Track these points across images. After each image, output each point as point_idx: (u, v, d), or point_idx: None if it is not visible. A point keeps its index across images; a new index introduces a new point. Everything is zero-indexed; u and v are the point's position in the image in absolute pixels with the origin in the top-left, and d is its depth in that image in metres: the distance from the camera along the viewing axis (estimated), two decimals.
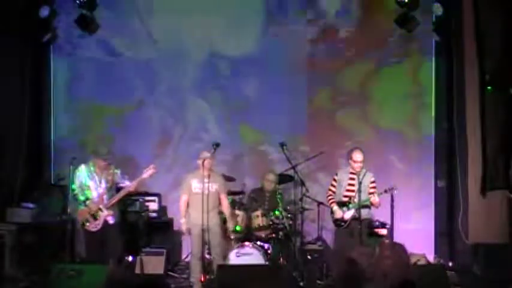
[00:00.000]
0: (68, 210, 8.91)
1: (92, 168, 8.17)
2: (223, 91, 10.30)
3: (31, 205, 9.24)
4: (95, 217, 8.09)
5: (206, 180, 8.23)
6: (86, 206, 8.10)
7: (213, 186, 8.31)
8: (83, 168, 8.21)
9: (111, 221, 8.15)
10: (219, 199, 8.42)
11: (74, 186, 8.20)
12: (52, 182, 10.12)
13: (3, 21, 9.20)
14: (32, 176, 9.91)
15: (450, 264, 9.43)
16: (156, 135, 10.33)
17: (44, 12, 9.62)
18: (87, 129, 10.29)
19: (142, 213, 9.41)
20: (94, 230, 8.11)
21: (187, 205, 8.35)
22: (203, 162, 8.23)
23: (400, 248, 5.08)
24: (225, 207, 8.48)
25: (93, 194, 8.15)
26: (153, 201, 9.78)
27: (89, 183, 8.16)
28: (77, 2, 9.68)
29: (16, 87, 9.64)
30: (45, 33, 9.86)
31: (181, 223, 8.42)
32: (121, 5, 10.29)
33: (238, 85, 10.28)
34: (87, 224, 8.11)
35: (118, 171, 8.26)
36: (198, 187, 8.26)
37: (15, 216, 9.07)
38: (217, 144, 8.43)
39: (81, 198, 8.14)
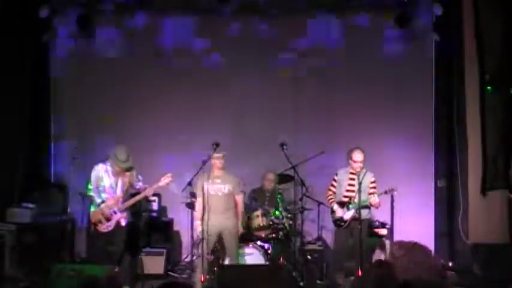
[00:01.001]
0: (68, 210, 8.92)
1: (109, 169, 8.11)
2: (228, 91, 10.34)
3: (31, 205, 9.23)
4: (108, 219, 8.07)
5: (218, 181, 8.23)
6: (100, 208, 8.05)
7: (226, 187, 8.28)
8: (100, 167, 8.12)
9: (123, 222, 8.13)
10: (234, 200, 8.40)
11: (89, 187, 8.16)
12: (52, 182, 10.12)
13: (3, 21, 9.20)
14: (32, 176, 9.90)
15: (450, 264, 9.44)
16: (157, 134, 10.33)
17: (44, 12, 9.63)
18: (87, 129, 10.28)
19: (142, 213, 9.40)
20: (105, 231, 8.09)
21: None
22: (214, 163, 8.23)
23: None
24: (238, 208, 8.42)
25: (109, 195, 8.07)
26: (153, 201, 9.77)
27: (106, 183, 8.09)
28: (77, 2, 9.69)
29: (16, 88, 9.63)
30: (45, 33, 9.87)
31: (196, 225, 8.32)
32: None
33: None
34: (99, 224, 8.08)
35: (134, 172, 8.20)
36: (211, 188, 8.22)
37: (15, 216, 9.05)
38: (217, 144, 8.41)
39: (97, 200, 8.05)
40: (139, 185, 8.18)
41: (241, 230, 8.45)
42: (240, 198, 8.44)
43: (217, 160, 8.23)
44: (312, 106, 10.31)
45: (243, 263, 8.36)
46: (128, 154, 8.05)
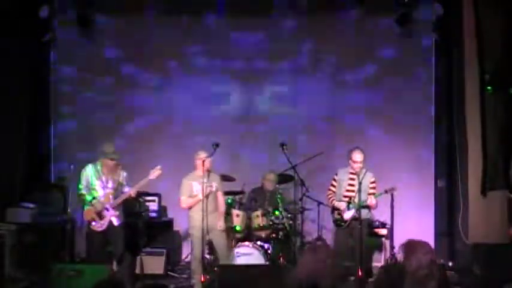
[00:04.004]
0: (68, 210, 8.92)
1: (99, 168, 8.12)
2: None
3: (31, 205, 9.23)
4: (100, 216, 8.07)
5: (205, 180, 8.19)
6: (92, 205, 8.07)
7: (214, 186, 8.27)
8: (90, 167, 8.14)
9: (116, 221, 8.13)
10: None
11: (80, 186, 8.14)
12: (52, 182, 10.12)
13: (3, 21, 9.20)
14: (32, 176, 9.90)
15: (450, 264, 9.44)
16: (158, 133, 10.31)
17: (44, 12, 9.63)
18: (87, 129, 10.28)
19: (142, 213, 9.40)
20: (99, 229, 8.08)
21: (189, 208, 8.33)
22: (202, 163, 8.22)
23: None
24: (220, 204, 8.43)
25: (100, 193, 8.11)
26: (153, 201, 9.77)
27: (96, 182, 8.10)
28: (77, 2, 9.69)
29: (16, 87, 9.63)
30: (45, 33, 9.86)
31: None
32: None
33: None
34: (93, 223, 8.08)
35: (124, 174, 8.22)
36: (199, 189, 8.20)
37: (15, 216, 9.05)
38: (217, 145, 8.40)
39: (88, 198, 8.07)
40: (127, 189, 8.16)
41: (224, 227, 8.42)
42: (221, 195, 8.45)
43: (204, 160, 8.20)
44: (312, 105, 10.30)
45: (242, 262, 8.36)
46: (114, 149, 8.08)
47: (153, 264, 9.03)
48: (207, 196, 8.15)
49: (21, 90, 9.73)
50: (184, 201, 8.32)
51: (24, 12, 9.53)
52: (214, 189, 8.27)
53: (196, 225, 8.16)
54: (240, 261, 8.37)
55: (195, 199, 8.19)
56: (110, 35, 10.29)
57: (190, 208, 8.30)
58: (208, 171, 8.29)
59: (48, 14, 9.69)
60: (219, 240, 8.35)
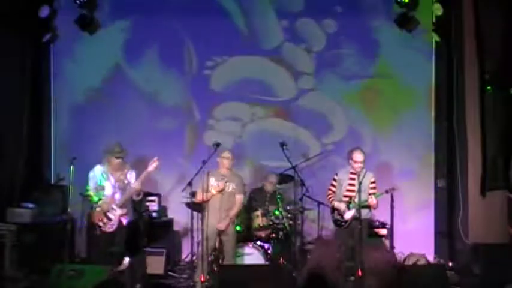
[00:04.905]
0: (68, 210, 8.92)
1: (106, 169, 8.14)
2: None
3: (31, 205, 9.24)
4: (109, 217, 8.07)
5: (224, 179, 8.22)
6: (98, 206, 8.06)
7: (230, 186, 8.28)
8: (98, 169, 8.16)
9: (125, 220, 8.14)
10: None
11: (88, 187, 8.16)
12: (52, 182, 10.12)
13: (3, 21, 9.20)
14: (32, 176, 9.90)
15: (450, 264, 9.43)
16: (161, 132, 10.31)
17: (44, 12, 9.63)
18: (87, 129, 10.28)
19: (142, 213, 9.40)
20: (110, 230, 8.09)
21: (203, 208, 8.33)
22: (223, 163, 8.25)
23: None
24: (236, 206, 8.36)
25: (108, 194, 8.11)
26: (153, 201, 9.77)
27: (104, 183, 8.12)
28: (77, 2, 9.69)
29: (16, 87, 9.64)
30: (45, 33, 9.86)
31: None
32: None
33: None
34: (102, 225, 8.08)
35: (133, 172, 8.22)
36: (215, 185, 8.21)
37: (15, 216, 9.06)
38: (218, 144, 8.41)
39: (95, 199, 8.09)
40: (132, 187, 8.17)
41: (222, 228, 8.27)
42: (240, 198, 8.41)
43: (225, 160, 8.25)
44: (313, 105, 10.31)
45: (242, 262, 8.35)
46: (122, 147, 8.10)
47: (153, 264, 9.03)
48: (221, 191, 8.18)
49: (21, 90, 9.73)
50: (199, 195, 8.33)
51: (24, 12, 9.53)
52: (230, 189, 8.26)
53: (207, 223, 8.12)
54: (240, 261, 8.37)
55: (208, 194, 8.18)
56: (109, 34, 10.29)
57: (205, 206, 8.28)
58: (229, 170, 8.32)
59: (48, 14, 9.69)
60: (228, 242, 8.33)
